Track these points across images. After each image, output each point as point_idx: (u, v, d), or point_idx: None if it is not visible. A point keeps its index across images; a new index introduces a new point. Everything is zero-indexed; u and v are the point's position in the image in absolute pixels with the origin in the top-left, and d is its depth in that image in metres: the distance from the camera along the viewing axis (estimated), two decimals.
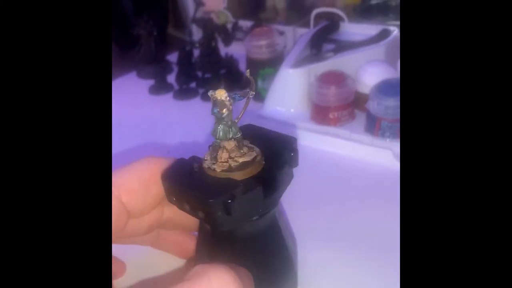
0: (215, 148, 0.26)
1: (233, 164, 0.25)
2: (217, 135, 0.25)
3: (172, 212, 0.30)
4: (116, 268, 0.32)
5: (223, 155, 0.25)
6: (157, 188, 0.27)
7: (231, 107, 0.25)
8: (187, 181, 0.25)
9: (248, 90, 0.26)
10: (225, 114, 0.24)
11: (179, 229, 0.32)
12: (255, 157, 0.26)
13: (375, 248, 0.35)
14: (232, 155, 0.25)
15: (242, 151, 0.26)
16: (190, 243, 0.32)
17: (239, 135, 0.26)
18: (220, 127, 0.25)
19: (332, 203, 0.41)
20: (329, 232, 0.38)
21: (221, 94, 0.24)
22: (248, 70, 0.26)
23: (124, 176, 0.27)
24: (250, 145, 0.27)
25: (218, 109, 0.24)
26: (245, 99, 0.26)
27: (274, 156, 0.26)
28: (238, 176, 0.25)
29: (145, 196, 0.27)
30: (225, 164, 0.25)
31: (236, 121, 0.26)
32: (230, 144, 0.26)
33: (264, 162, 0.26)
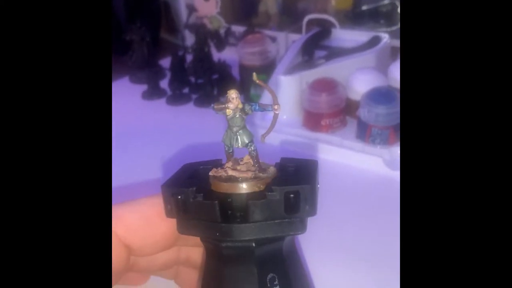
0: (235, 158, 0.24)
1: (223, 174, 0.23)
2: (222, 139, 0.23)
3: (191, 252, 0.28)
4: (138, 274, 0.30)
5: (227, 164, 0.24)
6: (166, 226, 0.24)
7: (238, 111, 0.22)
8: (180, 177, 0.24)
9: (270, 103, 0.23)
10: (229, 116, 0.22)
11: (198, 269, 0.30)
12: (250, 178, 0.22)
13: (367, 254, 0.36)
14: (239, 167, 0.23)
15: (252, 167, 0.23)
16: None
17: (252, 148, 0.23)
18: (226, 131, 0.23)
19: (322, 209, 0.42)
20: (319, 238, 0.38)
21: (231, 92, 0.22)
22: (254, 74, 0.23)
23: (123, 210, 0.25)
24: (272, 169, 0.23)
25: (216, 105, 0.22)
26: (270, 114, 0.23)
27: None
28: (222, 187, 0.22)
29: (149, 233, 0.25)
30: (219, 172, 0.23)
31: (248, 130, 0.23)
32: (247, 159, 0.24)
33: (258, 190, 0.22)
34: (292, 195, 0.21)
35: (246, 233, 0.21)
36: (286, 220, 0.21)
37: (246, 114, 0.23)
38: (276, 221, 0.21)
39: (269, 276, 0.22)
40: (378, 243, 0.37)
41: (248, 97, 0.62)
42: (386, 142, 0.48)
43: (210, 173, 0.23)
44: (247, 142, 0.23)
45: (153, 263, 0.28)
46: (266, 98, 0.56)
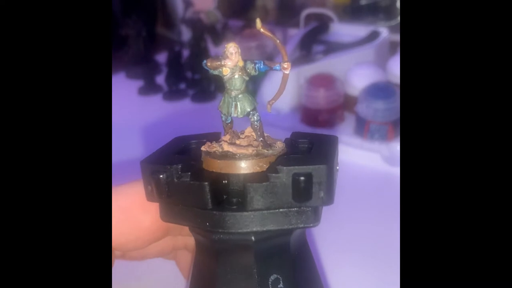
0: (235, 131, 0.20)
1: (218, 150, 0.19)
2: (218, 106, 0.19)
3: (189, 240, 0.26)
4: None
5: (225, 137, 0.20)
6: (149, 220, 0.21)
7: (237, 70, 0.18)
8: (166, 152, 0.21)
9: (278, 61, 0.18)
10: (226, 76, 0.18)
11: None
12: (249, 155, 0.18)
13: (366, 250, 0.36)
14: (238, 141, 0.19)
15: (254, 142, 0.19)
16: None
17: (255, 118, 0.19)
18: (224, 96, 0.19)
19: None
20: (318, 234, 0.38)
21: (229, 46, 0.18)
22: (258, 20, 0.18)
23: None
24: (279, 146, 0.19)
25: (211, 62, 0.18)
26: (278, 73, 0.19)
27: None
28: (216, 165, 0.18)
29: (129, 228, 0.21)
30: (213, 146, 0.19)
31: (250, 95, 0.19)
32: (249, 131, 0.20)
33: (260, 170, 0.18)
34: (302, 178, 0.16)
35: (243, 224, 0.17)
36: (295, 209, 0.17)
37: (248, 74, 0.18)
38: (281, 210, 0.17)
39: (272, 277, 0.18)
40: (376, 238, 0.37)
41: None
42: (384, 137, 0.48)
43: (203, 148, 0.19)
44: (249, 110, 0.18)
45: (146, 253, 0.25)
46: (263, 93, 0.55)
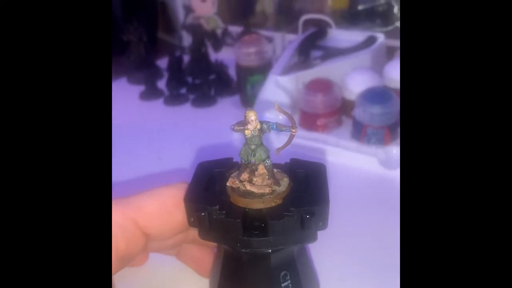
0: (250, 167, 0.26)
1: (242, 188, 0.25)
2: (239, 153, 0.25)
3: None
4: (140, 256, 0.32)
5: (243, 175, 0.25)
6: (181, 215, 0.26)
7: (256, 131, 0.24)
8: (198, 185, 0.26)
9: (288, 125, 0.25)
10: (247, 135, 0.24)
11: (204, 245, 0.32)
12: (267, 194, 0.24)
13: (363, 252, 0.36)
14: (255, 179, 0.25)
15: (267, 181, 0.25)
16: (209, 262, 0.32)
17: (268, 162, 0.25)
18: (244, 147, 0.25)
19: None
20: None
21: (250, 115, 0.23)
22: (276, 104, 0.25)
23: (144, 200, 0.26)
24: (285, 181, 0.25)
25: (237, 126, 0.24)
26: (287, 134, 0.25)
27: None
28: (242, 202, 0.24)
29: (167, 222, 0.26)
30: (236, 183, 0.25)
31: (265, 147, 0.25)
32: (262, 169, 0.25)
33: (275, 204, 0.24)
34: (308, 216, 0.23)
35: (265, 245, 0.24)
36: (300, 232, 0.24)
37: (264, 132, 0.24)
38: (291, 234, 0.24)
39: (282, 273, 0.26)
40: (373, 241, 0.37)
41: (244, 97, 0.62)
42: (381, 141, 0.49)
43: (228, 184, 0.25)
44: (264, 158, 0.25)
45: (165, 244, 0.30)
46: (262, 98, 0.56)
